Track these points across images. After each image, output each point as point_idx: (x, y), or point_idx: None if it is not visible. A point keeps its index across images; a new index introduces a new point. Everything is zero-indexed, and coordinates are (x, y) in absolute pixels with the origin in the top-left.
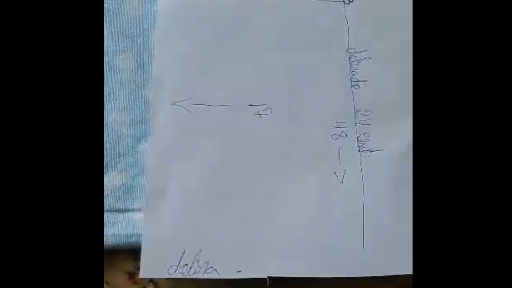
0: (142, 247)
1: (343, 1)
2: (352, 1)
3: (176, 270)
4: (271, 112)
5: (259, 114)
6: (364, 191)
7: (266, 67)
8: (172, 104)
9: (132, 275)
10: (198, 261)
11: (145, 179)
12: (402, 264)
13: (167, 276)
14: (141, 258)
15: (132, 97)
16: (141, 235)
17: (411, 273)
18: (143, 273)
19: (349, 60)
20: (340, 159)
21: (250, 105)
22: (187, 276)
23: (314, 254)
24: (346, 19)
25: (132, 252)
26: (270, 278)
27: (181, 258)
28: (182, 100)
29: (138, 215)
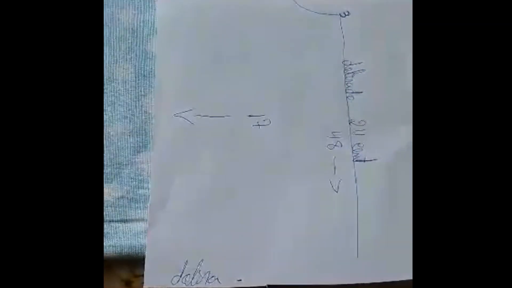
0: (145, 257)
1: (339, 14)
2: (348, 15)
3: (179, 280)
4: (270, 123)
5: (258, 124)
6: (358, 199)
7: (265, 78)
8: (174, 115)
9: (129, 283)
10: (200, 271)
11: (148, 190)
12: (398, 270)
13: (171, 286)
14: (145, 268)
15: (132, 107)
16: (142, 245)
17: (409, 278)
18: (147, 283)
19: (344, 72)
20: (335, 168)
21: (250, 116)
22: (190, 286)
23: (311, 262)
24: (342, 32)
25: (127, 260)
26: (269, 286)
27: (183, 268)
28: (184, 111)
29: (139, 225)
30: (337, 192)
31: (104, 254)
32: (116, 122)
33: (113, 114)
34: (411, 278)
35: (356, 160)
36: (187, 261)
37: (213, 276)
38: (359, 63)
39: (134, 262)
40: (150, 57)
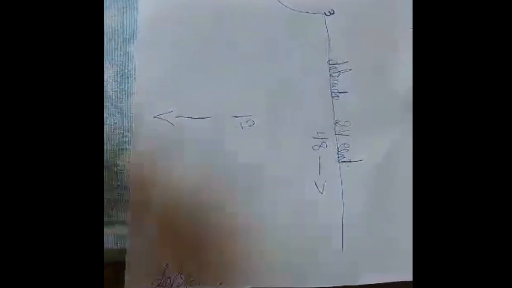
0: (126, 261)
1: (324, 13)
2: (333, 13)
3: (159, 283)
4: (254, 124)
5: (241, 125)
6: (344, 200)
7: (249, 79)
8: (154, 117)
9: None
10: (181, 274)
11: (129, 192)
12: (384, 272)
13: None
14: (126, 271)
15: (112, 109)
16: (124, 248)
17: (393, 280)
18: (127, 286)
19: (329, 71)
20: (320, 169)
21: (234, 117)
22: None
23: (294, 264)
24: (327, 31)
25: (111, 262)
26: None
27: (164, 271)
28: (164, 113)
29: (120, 229)
30: (322, 193)
31: None
32: None
33: None
34: (396, 280)
35: (342, 161)
36: (167, 265)
37: (193, 280)
38: (344, 62)
39: (118, 264)
40: (132, 58)
